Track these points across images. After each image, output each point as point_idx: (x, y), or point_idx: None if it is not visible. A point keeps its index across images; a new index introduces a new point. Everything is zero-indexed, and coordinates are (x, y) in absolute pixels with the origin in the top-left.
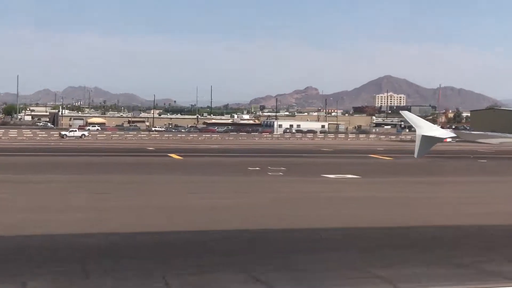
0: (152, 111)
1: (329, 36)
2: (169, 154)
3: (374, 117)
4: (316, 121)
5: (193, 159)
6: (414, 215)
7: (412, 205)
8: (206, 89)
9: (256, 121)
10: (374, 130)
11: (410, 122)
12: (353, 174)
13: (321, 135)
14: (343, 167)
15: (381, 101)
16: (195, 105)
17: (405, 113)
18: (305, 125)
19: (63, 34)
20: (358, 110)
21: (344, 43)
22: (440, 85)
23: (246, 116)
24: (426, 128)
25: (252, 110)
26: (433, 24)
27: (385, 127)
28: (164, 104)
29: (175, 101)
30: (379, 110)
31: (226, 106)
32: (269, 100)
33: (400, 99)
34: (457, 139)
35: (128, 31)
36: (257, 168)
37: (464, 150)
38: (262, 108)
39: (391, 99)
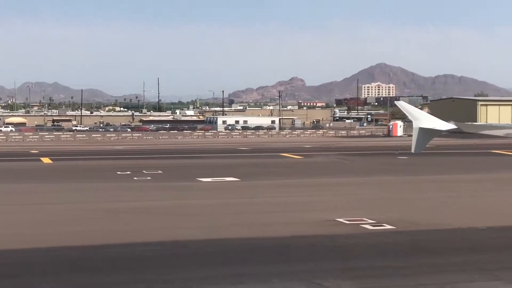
0: (80, 109)
1: (316, 21)
2: (41, 158)
3: (337, 110)
4: (269, 116)
5: (65, 163)
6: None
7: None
8: (188, 84)
9: (201, 117)
10: (328, 125)
11: (406, 113)
12: (233, 177)
13: (273, 132)
14: (229, 169)
15: (368, 92)
16: (139, 100)
17: (400, 104)
18: (253, 121)
19: (18, 25)
20: (339, 103)
21: (333, 28)
22: None
23: (190, 112)
24: (424, 120)
25: (198, 105)
26: (432, 6)
27: (347, 121)
28: (130, 100)
29: (136, 97)
30: (364, 102)
31: (190, 101)
32: (250, 93)
33: (389, 89)
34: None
35: (94, 19)
36: (128, 172)
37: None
38: (231, 102)
39: (379, 89)
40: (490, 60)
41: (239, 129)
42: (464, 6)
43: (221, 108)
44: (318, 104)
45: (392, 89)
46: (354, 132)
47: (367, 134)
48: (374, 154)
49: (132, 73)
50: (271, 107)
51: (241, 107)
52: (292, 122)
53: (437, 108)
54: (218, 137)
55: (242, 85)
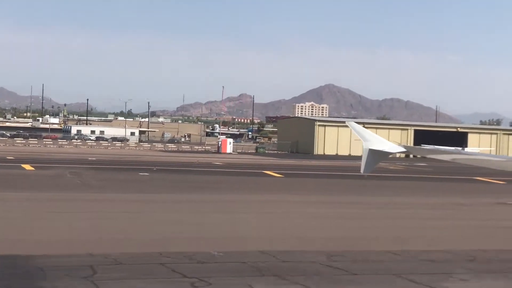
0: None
1: (269, 40)
2: None
3: (217, 125)
4: (137, 127)
5: None
6: None
7: None
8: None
9: (62, 125)
10: (183, 140)
11: (356, 134)
12: None
13: (118, 144)
14: None
15: (302, 111)
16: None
17: (350, 124)
18: (111, 132)
19: None
20: (269, 121)
21: (285, 47)
22: None
23: (55, 120)
24: (373, 142)
25: (65, 113)
26: (380, 30)
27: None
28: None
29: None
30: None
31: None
32: (198, 107)
33: (322, 110)
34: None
35: (44, 22)
36: None
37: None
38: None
39: (312, 109)
40: (437, 86)
41: (90, 139)
42: (415, 32)
43: (92, 118)
44: (256, 121)
45: (325, 110)
46: (187, 147)
47: (200, 150)
48: (133, 169)
49: (81, 80)
50: (141, 119)
51: (113, 118)
52: (162, 135)
53: (283, 125)
54: (45, 145)
55: (192, 99)
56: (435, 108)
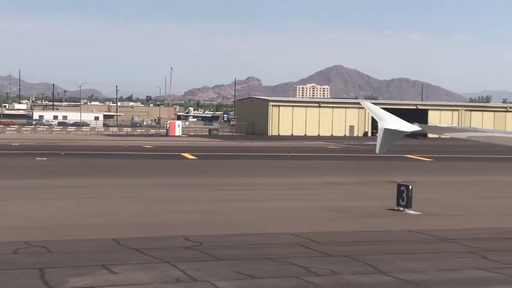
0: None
1: (276, 22)
2: None
3: (191, 108)
4: (107, 111)
5: None
6: None
7: None
8: (143, 80)
9: (27, 111)
10: (143, 124)
11: (371, 113)
12: None
13: (72, 129)
14: None
15: (303, 92)
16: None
17: (365, 104)
18: (74, 117)
19: None
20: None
21: (292, 30)
22: None
23: (22, 106)
24: (389, 121)
25: (34, 99)
26: (388, 10)
27: (190, 119)
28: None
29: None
30: None
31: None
32: (206, 91)
33: (324, 91)
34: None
35: (51, 10)
36: None
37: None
38: (148, 99)
39: (313, 90)
40: (444, 65)
41: (49, 125)
42: (424, 12)
43: (59, 103)
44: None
45: (327, 91)
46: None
47: (151, 133)
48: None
49: (89, 67)
50: (110, 103)
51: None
52: (132, 118)
53: (241, 106)
54: (5, 132)
55: (200, 83)
56: (444, 87)
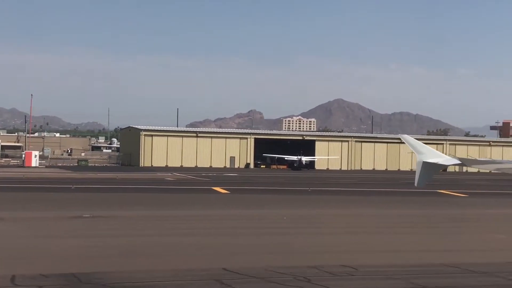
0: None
1: (278, 56)
2: None
3: (102, 139)
4: (14, 142)
5: None
6: None
7: None
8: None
9: None
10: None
11: (410, 147)
12: None
13: None
14: None
15: (289, 125)
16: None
17: (404, 137)
18: None
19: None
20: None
21: (294, 63)
22: None
23: None
24: (427, 154)
25: None
26: (390, 45)
27: (104, 150)
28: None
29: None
30: None
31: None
32: (208, 125)
33: (310, 124)
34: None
35: (45, 42)
36: None
37: None
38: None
39: (299, 123)
40: (445, 99)
41: None
42: (426, 47)
43: None
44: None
45: (313, 124)
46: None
47: (13, 163)
48: None
49: (92, 100)
50: (37, 134)
51: None
52: (42, 150)
53: (123, 136)
54: None
55: (201, 116)
56: (445, 121)
